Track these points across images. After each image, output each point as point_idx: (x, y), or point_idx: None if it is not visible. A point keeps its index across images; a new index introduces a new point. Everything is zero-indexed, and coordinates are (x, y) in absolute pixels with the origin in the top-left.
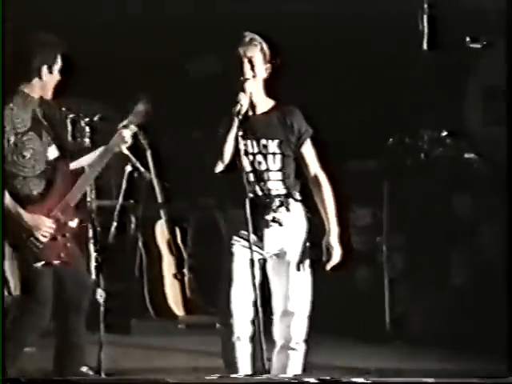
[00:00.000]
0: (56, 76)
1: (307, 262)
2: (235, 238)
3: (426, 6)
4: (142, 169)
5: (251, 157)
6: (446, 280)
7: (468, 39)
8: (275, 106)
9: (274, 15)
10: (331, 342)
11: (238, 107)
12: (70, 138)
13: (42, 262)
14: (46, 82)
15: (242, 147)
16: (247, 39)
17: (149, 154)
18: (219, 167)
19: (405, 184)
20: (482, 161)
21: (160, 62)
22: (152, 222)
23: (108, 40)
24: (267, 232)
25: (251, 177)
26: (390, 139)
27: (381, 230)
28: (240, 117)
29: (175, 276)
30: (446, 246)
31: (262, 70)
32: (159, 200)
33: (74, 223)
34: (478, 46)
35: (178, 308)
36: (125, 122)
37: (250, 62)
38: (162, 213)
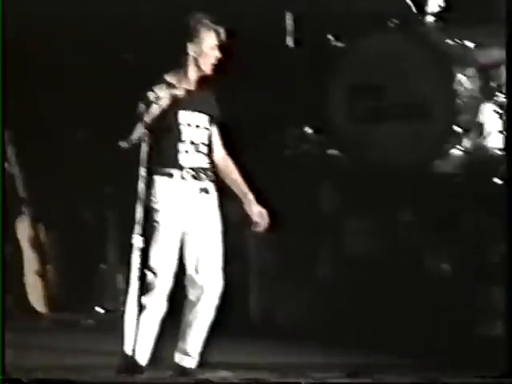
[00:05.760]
0: None
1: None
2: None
3: (289, 3)
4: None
5: (187, 128)
6: (312, 274)
7: (331, 37)
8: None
9: None
10: None
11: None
12: None
13: None
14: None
15: (181, 119)
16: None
17: (10, 149)
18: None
19: (270, 180)
20: (345, 157)
21: None
22: (13, 218)
23: None
24: (195, 201)
25: (186, 147)
26: (255, 134)
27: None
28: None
29: (37, 272)
30: (312, 240)
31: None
32: (21, 195)
33: None
34: (341, 44)
35: (40, 305)
36: None
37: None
38: (23, 208)
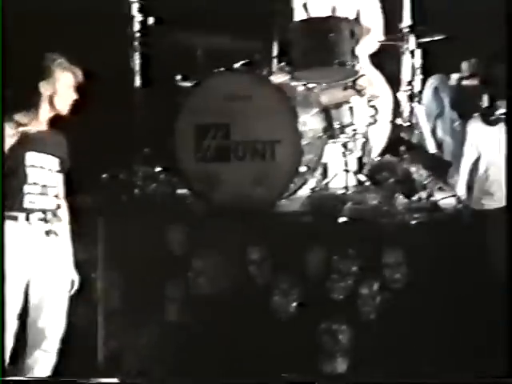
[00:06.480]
0: None
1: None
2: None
3: (136, 43)
4: None
5: (36, 170)
6: (161, 315)
7: (179, 77)
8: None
9: None
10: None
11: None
12: None
13: None
14: None
15: (28, 160)
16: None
17: None
18: None
19: (120, 220)
20: (194, 196)
21: None
22: None
23: None
24: (42, 244)
25: (33, 189)
26: (104, 174)
27: (96, 266)
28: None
29: None
30: (161, 281)
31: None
32: None
33: None
34: (189, 84)
35: None
36: None
37: None
38: None
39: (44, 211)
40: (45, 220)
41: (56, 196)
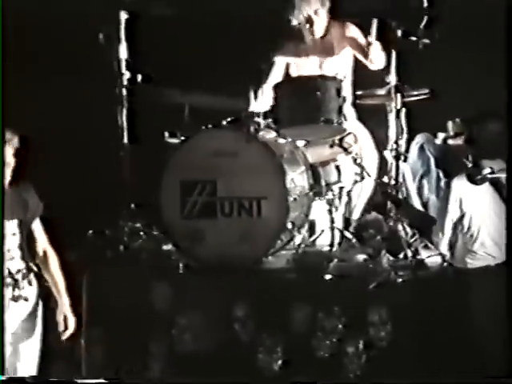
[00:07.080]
0: None
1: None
2: None
3: (124, 100)
4: None
5: None
6: (144, 373)
7: (166, 134)
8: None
9: None
10: None
11: None
12: None
13: None
14: None
15: None
16: None
17: None
18: None
19: (105, 276)
20: (180, 253)
21: None
22: None
23: None
24: (13, 309)
25: None
26: (90, 231)
27: (80, 322)
28: None
29: None
30: (145, 338)
31: None
32: None
33: None
34: (176, 140)
35: None
36: None
37: None
38: None
39: (12, 276)
40: (14, 285)
41: (23, 258)
